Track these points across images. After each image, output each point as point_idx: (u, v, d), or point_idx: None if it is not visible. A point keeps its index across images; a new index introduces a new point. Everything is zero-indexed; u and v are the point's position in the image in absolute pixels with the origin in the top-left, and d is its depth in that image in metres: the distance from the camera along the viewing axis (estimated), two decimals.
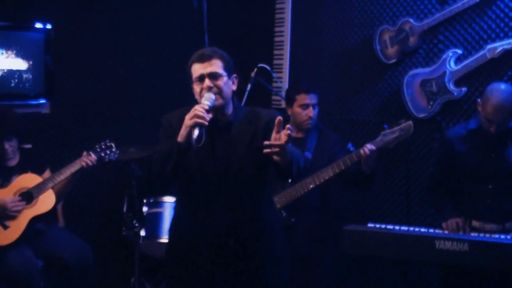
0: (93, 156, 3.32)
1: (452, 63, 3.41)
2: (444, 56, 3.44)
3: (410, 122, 2.95)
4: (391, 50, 3.67)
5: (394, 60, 3.68)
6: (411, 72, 3.59)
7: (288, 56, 4.28)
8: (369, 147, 2.95)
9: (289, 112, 3.35)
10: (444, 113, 3.48)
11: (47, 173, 3.42)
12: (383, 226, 2.83)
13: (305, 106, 3.24)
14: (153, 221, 3.64)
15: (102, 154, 3.37)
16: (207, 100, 2.16)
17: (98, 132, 4.15)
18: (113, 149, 3.39)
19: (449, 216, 2.90)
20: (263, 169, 2.30)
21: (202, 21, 4.20)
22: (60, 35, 3.93)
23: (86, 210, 4.18)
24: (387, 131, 2.97)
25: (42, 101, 3.93)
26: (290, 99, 3.32)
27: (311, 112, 3.23)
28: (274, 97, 4.38)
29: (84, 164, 3.29)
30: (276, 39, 4.37)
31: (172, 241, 2.42)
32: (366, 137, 3.58)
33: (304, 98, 3.23)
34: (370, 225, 2.86)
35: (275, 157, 2.06)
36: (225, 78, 2.23)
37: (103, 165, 3.47)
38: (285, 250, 2.40)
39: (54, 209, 3.36)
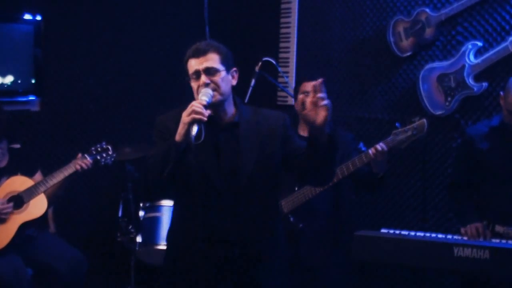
0: (88, 160, 3.33)
1: (471, 56, 3.40)
2: (463, 48, 3.43)
3: (424, 120, 2.95)
4: (406, 43, 3.67)
5: (409, 53, 3.67)
6: (427, 66, 3.58)
7: (295, 49, 4.28)
8: (379, 147, 2.94)
9: (296, 107, 3.36)
10: (463, 110, 3.47)
11: (38, 176, 3.43)
12: (397, 232, 2.82)
13: (307, 93, 3.22)
14: (150, 227, 3.64)
15: (98, 157, 3.38)
16: (204, 95, 2.16)
17: (91, 131, 4.16)
18: (110, 152, 3.40)
19: (469, 220, 2.89)
20: (275, 176, 2.32)
21: (203, 12, 4.21)
22: (51, 27, 3.94)
23: (78, 214, 4.19)
24: (399, 130, 2.97)
25: (32, 98, 3.94)
26: (295, 92, 3.32)
27: None
28: (280, 93, 4.38)
29: (78, 167, 3.30)
30: (282, 30, 4.37)
31: (170, 248, 2.42)
32: (379, 136, 3.56)
33: (307, 86, 3.22)
34: (383, 230, 2.86)
35: (318, 120, 2.03)
36: (223, 73, 2.23)
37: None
38: (285, 261, 2.41)
39: (45, 214, 3.37)
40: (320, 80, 2.06)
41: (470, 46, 3.41)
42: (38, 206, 3.29)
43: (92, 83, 4.19)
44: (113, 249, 4.04)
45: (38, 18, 3.84)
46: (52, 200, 3.40)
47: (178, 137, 2.12)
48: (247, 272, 2.25)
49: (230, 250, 2.23)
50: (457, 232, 2.90)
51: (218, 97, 2.21)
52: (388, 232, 2.83)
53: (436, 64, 3.56)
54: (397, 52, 3.71)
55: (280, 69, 4.02)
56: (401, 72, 3.75)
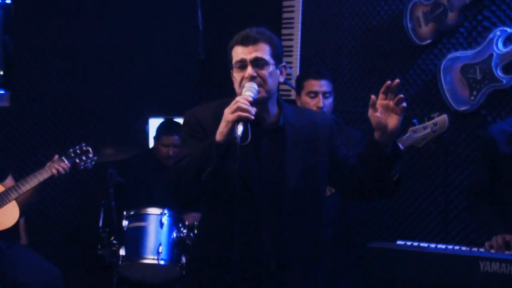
0: (66, 163, 3.33)
1: (500, 45, 3.39)
2: (491, 35, 3.42)
3: (445, 115, 2.95)
4: (426, 29, 3.66)
5: (429, 41, 3.67)
6: (450, 56, 3.58)
7: (299, 36, 4.28)
8: None
9: (298, 103, 3.36)
10: (490, 105, 3.46)
11: (9, 181, 3.42)
12: (415, 243, 2.81)
13: (313, 94, 3.25)
14: (135, 238, 3.64)
15: (77, 161, 3.38)
16: (249, 90, 2.14)
17: (69, 130, 4.17)
18: (90, 155, 3.41)
19: (496, 231, 2.88)
20: (320, 189, 2.34)
21: None
22: (22, 12, 3.94)
23: (53, 224, 4.19)
24: (417, 126, 2.98)
25: (1, 91, 3.94)
26: (298, 87, 3.34)
27: (320, 101, 3.23)
28: (281, 86, 4.37)
29: (55, 171, 3.29)
30: (285, 15, 4.37)
31: (197, 265, 2.40)
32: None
33: (312, 85, 3.24)
34: (399, 242, 2.85)
35: (391, 125, 2.16)
36: (271, 67, 2.22)
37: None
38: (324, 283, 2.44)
39: (16, 224, 3.36)
40: (397, 80, 2.21)
41: (498, 33, 3.40)
42: (8, 215, 3.28)
43: (69, 75, 4.19)
44: (92, 264, 4.03)
45: (8, 1, 3.84)
46: (24, 208, 3.39)
47: (219, 136, 2.09)
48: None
49: (266, 269, 2.23)
50: (483, 244, 2.89)
51: (263, 94, 2.19)
52: (405, 244, 2.82)
53: (459, 53, 3.55)
54: (416, 39, 3.71)
55: (282, 58, 4.01)
56: (420, 62, 3.74)
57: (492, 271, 2.54)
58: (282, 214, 2.23)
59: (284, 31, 4.36)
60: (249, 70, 2.18)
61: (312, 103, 3.24)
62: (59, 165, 3.31)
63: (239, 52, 2.21)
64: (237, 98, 2.10)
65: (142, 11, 4.42)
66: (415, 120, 3.01)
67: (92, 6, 4.20)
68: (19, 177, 3.38)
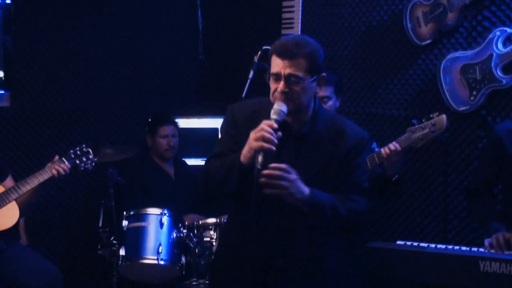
0: (66, 164, 3.33)
1: (500, 45, 3.39)
2: (491, 36, 3.41)
3: (444, 115, 2.95)
4: (425, 29, 3.66)
5: (428, 41, 3.67)
6: (450, 56, 3.57)
7: None
8: (392, 146, 2.95)
9: None
10: (490, 105, 3.46)
11: (9, 181, 3.42)
12: (415, 244, 2.81)
13: None
14: (135, 238, 3.64)
15: (77, 162, 3.38)
16: (276, 114, 2.20)
17: (68, 130, 4.16)
18: (90, 156, 3.41)
19: (494, 231, 2.87)
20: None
21: None
22: (22, 12, 3.94)
23: (53, 224, 4.18)
24: (416, 126, 2.98)
25: (1, 92, 3.94)
26: None
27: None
28: None
29: (55, 172, 3.29)
30: (285, 15, 4.36)
31: (219, 257, 2.56)
32: (394, 136, 3.56)
33: None
34: (399, 242, 2.85)
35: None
36: (306, 82, 2.25)
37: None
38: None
39: (16, 224, 3.36)
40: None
41: (498, 33, 3.40)
42: (9, 215, 3.28)
43: (69, 75, 4.18)
44: (92, 264, 4.03)
45: (8, 1, 3.84)
46: (24, 209, 3.39)
47: (243, 158, 2.20)
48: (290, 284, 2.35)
49: (274, 260, 2.32)
50: (483, 244, 2.88)
51: (292, 107, 2.25)
52: (405, 244, 2.81)
53: (459, 53, 3.55)
54: (415, 40, 3.70)
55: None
56: (419, 62, 3.74)
57: (492, 271, 2.54)
58: (292, 219, 2.30)
59: (284, 31, 4.35)
60: (282, 85, 2.24)
61: None
62: (59, 166, 3.31)
63: (275, 64, 2.26)
64: (263, 124, 2.17)
65: (142, 12, 4.42)
66: (414, 120, 3.01)
67: (92, 6, 4.20)
68: (19, 177, 3.38)
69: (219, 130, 2.46)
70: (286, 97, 2.23)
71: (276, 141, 2.16)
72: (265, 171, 2.15)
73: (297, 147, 2.32)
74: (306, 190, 2.22)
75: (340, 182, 2.34)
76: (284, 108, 2.22)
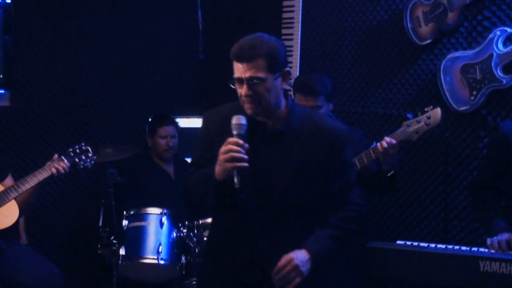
0: (66, 162, 3.32)
1: (500, 44, 3.38)
2: (491, 35, 3.41)
3: (438, 108, 2.95)
4: (426, 29, 3.65)
5: (428, 41, 3.66)
6: (450, 56, 3.57)
7: (299, 36, 4.27)
8: (387, 140, 2.95)
9: None
10: (490, 105, 3.45)
11: (8, 180, 3.42)
12: (415, 243, 2.81)
13: None
14: (135, 238, 3.64)
15: (76, 160, 3.37)
16: (237, 129, 2.21)
17: (69, 129, 4.16)
18: (90, 154, 3.40)
19: (497, 230, 2.87)
20: (314, 199, 2.33)
21: None
22: (22, 12, 3.94)
23: (53, 224, 4.18)
24: (411, 120, 2.99)
25: (1, 91, 3.94)
26: (293, 91, 3.31)
27: None
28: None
29: (54, 171, 3.28)
30: (285, 15, 4.36)
31: (207, 261, 2.55)
32: None
33: (300, 99, 3.19)
34: (399, 242, 2.85)
35: None
36: (268, 82, 2.23)
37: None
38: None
39: (16, 223, 3.36)
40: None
41: (498, 33, 3.39)
42: (8, 214, 3.27)
43: (69, 75, 4.18)
44: (92, 263, 4.03)
45: (8, 1, 3.84)
46: (23, 208, 3.39)
47: (217, 176, 2.21)
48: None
49: (260, 271, 2.30)
50: (483, 244, 2.88)
51: (258, 109, 2.24)
52: (405, 244, 2.81)
53: (459, 53, 3.54)
54: (416, 39, 3.70)
55: (284, 63, 4.00)
56: (420, 62, 3.74)
57: (492, 271, 2.54)
58: (273, 217, 2.28)
59: (284, 31, 4.35)
60: (245, 89, 2.22)
61: None
62: (58, 165, 3.30)
63: (236, 69, 2.25)
64: (229, 143, 2.17)
65: (142, 11, 4.42)
66: (409, 115, 3.01)
67: (92, 6, 4.20)
68: (19, 176, 3.37)
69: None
70: (252, 99, 2.22)
71: (246, 157, 2.15)
72: (275, 278, 2.22)
73: (274, 145, 2.30)
74: (306, 259, 2.25)
75: (326, 186, 2.32)
76: (243, 120, 2.21)
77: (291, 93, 3.35)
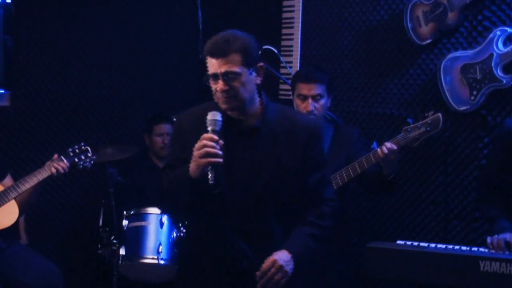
0: (65, 162, 3.32)
1: (500, 44, 3.38)
2: (491, 35, 3.41)
3: (439, 114, 2.96)
4: (426, 29, 3.65)
5: (429, 41, 3.66)
6: (450, 55, 3.57)
7: (299, 36, 4.27)
8: (388, 145, 2.97)
9: (294, 104, 3.37)
10: (490, 105, 3.45)
11: (8, 180, 3.42)
12: (415, 243, 2.81)
13: (302, 97, 3.24)
14: (135, 237, 3.64)
15: (76, 160, 3.37)
16: (212, 125, 2.21)
17: (68, 129, 4.16)
18: (89, 154, 3.40)
19: (500, 229, 2.87)
20: (293, 194, 2.34)
21: None
22: (22, 11, 3.93)
23: (53, 224, 4.18)
24: (411, 126, 3.00)
25: (1, 91, 3.93)
26: (292, 89, 3.35)
27: (309, 105, 3.20)
28: (282, 86, 4.36)
29: (54, 171, 3.29)
30: (285, 15, 4.36)
31: (182, 265, 2.54)
32: (395, 135, 3.53)
33: (301, 88, 3.23)
34: (399, 242, 2.84)
35: None
36: (243, 76, 2.25)
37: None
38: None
39: (16, 223, 3.36)
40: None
41: (498, 33, 3.39)
42: (8, 214, 3.27)
43: (70, 75, 4.18)
44: (93, 263, 4.03)
45: (8, 0, 3.83)
46: (23, 208, 3.39)
47: (192, 174, 2.20)
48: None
49: (240, 269, 2.30)
50: (483, 244, 2.88)
51: (235, 103, 2.25)
52: (405, 244, 2.81)
53: (459, 53, 3.54)
54: (416, 39, 3.70)
55: (282, 58, 4.01)
56: (419, 62, 3.73)
57: (492, 270, 2.54)
58: (252, 217, 2.28)
59: (284, 31, 4.35)
60: (221, 85, 2.24)
61: (302, 106, 3.23)
62: (58, 164, 3.30)
63: (211, 65, 2.27)
64: (203, 139, 2.17)
65: (142, 11, 4.42)
66: (409, 120, 3.01)
67: (92, 6, 4.20)
68: (19, 176, 3.38)
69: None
70: (228, 95, 2.24)
71: (221, 152, 2.16)
72: (261, 282, 2.22)
73: (251, 142, 2.30)
74: (288, 258, 2.26)
75: (304, 180, 2.34)
76: (218, 116, 2.22)
77: (292, 92, 3.37)
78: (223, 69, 2.23)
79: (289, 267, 2.26)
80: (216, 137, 2.18)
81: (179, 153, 2.36)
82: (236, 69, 2.23)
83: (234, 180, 2.28)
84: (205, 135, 2.19)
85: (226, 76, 2.23)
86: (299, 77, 3.28)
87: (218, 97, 2.27)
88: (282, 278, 2.24)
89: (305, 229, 2.35)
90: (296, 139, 2.32)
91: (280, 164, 2.29)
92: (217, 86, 2.25)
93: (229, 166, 2.25)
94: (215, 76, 2.25)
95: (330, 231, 2.42)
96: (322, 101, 3.25)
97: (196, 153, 2.17)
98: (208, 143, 2.16)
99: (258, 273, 2.24)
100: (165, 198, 2.40)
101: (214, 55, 2.25)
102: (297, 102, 3.27)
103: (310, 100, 3.21)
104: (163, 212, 3.66)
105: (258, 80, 2.32)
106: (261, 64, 2.32)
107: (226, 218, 2.29)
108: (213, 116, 2.22)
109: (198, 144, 2.18)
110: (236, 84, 2.24)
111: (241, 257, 2.30)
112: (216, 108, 2.28)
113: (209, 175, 2.15)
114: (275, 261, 2.24)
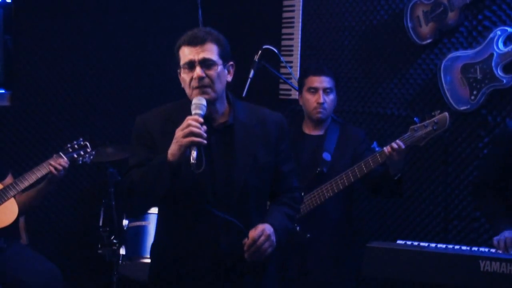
0: (64, 159, 3.31)
1: (500, 44, 3.38)
2: (491, 35, 3.41)
3: (446, 113, 2.96)
4: (426, 28, 3.65)
5: (429, 41, 3.66)
6: (450, 55, 3.57)
7: (299, 35, 4.27)
8: (395, 145, 2.96)
9: (300, 102, 3.39)
10: (490, 105, 3.45)
11: (9, 180, 3.42)
12: (415, 243, 2.81)
13: (313, 90, 3.27)
14: (135, 237, 3.64)
15: (75, 155, 3.37)
16: (198, 108, 2.17)
17: (68, 129, 4.15)
18: (88, 150, 3.39)
19: (502, 227, 2.86)
20: (268, 185, 2.38)
21: None
22: (22, 11, 3.93)
23: (53, 224, 4.18)
24: (418, 125, 3.00)
25: (1, 91, 3.93)
26: (300, 85, 3.36)
27: (320, 97, 3.25)
28: (282, 86, 4.37)
29: (52, 168, 3.28)
30: (285, 14, 4.36)
31: (155, 264, 2.44)
32: (395, 135, 3.56)
33: (312, 81, 3.27)
34: (399, 242, 2.85)
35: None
36: (219, 67, 2.25)
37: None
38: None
39: (16, 222, 3.35)
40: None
41: (499, 33, 3.39)
42: (7, 213, 3.27)
43: (69, 75, 4.18)
44: (93, 263, 4.02)
45: (8, 0, 3.83)
46: (24, 208, 3.39)
47: (171, 157, 2.13)
48: (240, 285, 2.31)
49: (222, 265, 2.27)
50: (484, 244, 2.88)
51: (211, 94, 2.23)
52: (405, 243, 2.82)
53: (460, 52, 3.54)
54: (416, 39, 3.70)
55: (282, 58, 4.01)
56: (420, 62, 3.74)
57: (492, 270, 2.54)
58: (233, 212, 2.26)
59: (284, 31, 4.35)
60: (198, 71, 2.21)
61: (313, 99, 3.26)
62: (55, 162, 3.29)
63: (187, 53, 2.24)
64: (188, 119, 2.12)
65: (142, 11, 4.41)
66: (416, 119, 3.01)
67: (92, 6, 4.20)
68: (20, 176, 3.38)
69: (130, 144, 2.39)
70: (204, 83, 2.21)
71: (205, 134, 2.12)
72: (250, 250, 2.20)
73: (225, 139, 2.29)
74: (272, 231, 2.26)
75: (278, 169, 2.38)
76: (203, 101, 2.19)
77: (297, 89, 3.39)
78: (200, 56, 2.21)
79: (274, 238, 2.27)
80: (201, 119, 2.14)
81: (146, 154, 2.25)
82: (214, 57, 2.23)
83: (215, 177, 2.26)
84: (190, 117, 2.15)
85: (204, 63, 2.21)
86: (309, 71, 3.32)
87: (193, 85, 2.22)
88: (269, 247, 2.24)
89: (282, 208, 2.40)
90: (267, 134, 2.35)
91: (257, 158, 2.30)
92: (193, 74, 2.22)
93: (210, 165, 2.22)
94: (191, 64, 2.22)
95: (297, 214, 2.52)
96: (332, 96, 3.29)
97: (179, 133, 2.12)
98: (192, 123, 2.11)
99: (247, 240, 2.22)
100: (132, 197, 2.23)
101: (192, 43, 2.24)
102: (307, 96, 3.29)
103: (321, 92, 3.24)
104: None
105: (229, 78, 2.32)
106: (232, 62, 2.33)
107: (206, 218, 2.25)
108: (199, 101, 2.19)
109: (182, 125, 2.13)
110: (212, 72, 2.22)
111: (225, 258, 2.26)
112: (185, 107, 2.23)
113: (193, 154, 2.09)
114: (264, 230, 2.24)
